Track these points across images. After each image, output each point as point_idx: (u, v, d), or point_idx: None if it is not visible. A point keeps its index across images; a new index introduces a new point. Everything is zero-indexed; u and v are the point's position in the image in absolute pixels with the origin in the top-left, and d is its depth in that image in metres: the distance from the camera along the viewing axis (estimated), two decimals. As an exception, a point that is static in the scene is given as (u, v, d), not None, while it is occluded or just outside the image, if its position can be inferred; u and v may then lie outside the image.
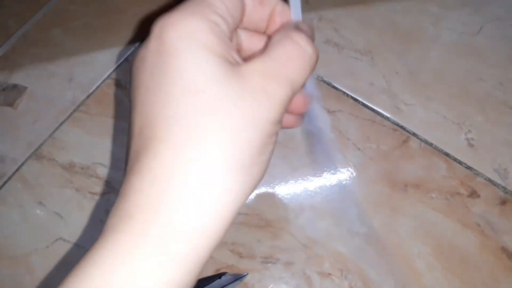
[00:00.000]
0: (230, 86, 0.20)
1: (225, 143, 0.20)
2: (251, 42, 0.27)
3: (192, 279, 0.20)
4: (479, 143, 0.50)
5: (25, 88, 0.55)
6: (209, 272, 0.45)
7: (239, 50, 0.27)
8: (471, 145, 0.50)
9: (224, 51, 0.21)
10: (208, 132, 0.19)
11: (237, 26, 0.24)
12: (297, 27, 0.24)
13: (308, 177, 0.49)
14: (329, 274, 0.45)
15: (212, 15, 0.21)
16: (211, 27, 0.21)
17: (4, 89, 0.55)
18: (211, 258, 0.46)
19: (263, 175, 0.23)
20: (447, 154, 0.49)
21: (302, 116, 0.29)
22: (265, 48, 0.23)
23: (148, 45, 0.22)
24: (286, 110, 0.22)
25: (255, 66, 0.21)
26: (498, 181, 0.48)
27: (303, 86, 0.23)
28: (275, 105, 0.21)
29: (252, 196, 0.48)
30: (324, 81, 0.53)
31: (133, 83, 0.23)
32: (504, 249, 0.46)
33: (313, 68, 0.24)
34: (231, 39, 0.23)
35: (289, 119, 0.28)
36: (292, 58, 0.22)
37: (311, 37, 0.25)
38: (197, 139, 0.19)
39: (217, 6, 0.22)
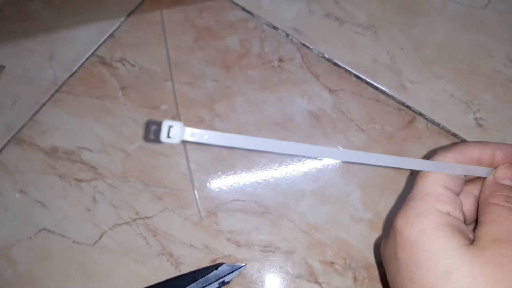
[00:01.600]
0: (478, 265, 0.24)
1: None
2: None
3: None
4: (488, 122, 0.47)
5: (2, 67, 0.51)
6: (205, 263, 0.43)
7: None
8: (480, 125, 0.47)
9: (460, 235, 0.25)
10: None
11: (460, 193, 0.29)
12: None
13: (309, 160, 0.46)
14: (332, 262, 0.43)
15: (441, 206, 0.26)
16: (445, 218, 0.26)
17: (-22, 68, 0.51)
18: (206, 247, 0.43)
19: None
20: (454, 135, 0.47)
21: None
22: (479, 210, 0.28)
23: (393, 241, 0.27)
24: None
25: (487, 237, 0.25)
26: (509, 162, 0.45)
27: None
28: None
29: (250, 181, 0.45)
30: (325, 58, 0.50)
31: (389, 273, 0.29)
32: None
33: None
34: (462, 211, 0.28)
35: None
36: (508, 218, 0.26)
37: None
38: None
39: (443, 194, 0.27)
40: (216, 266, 0.41)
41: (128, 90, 0.49)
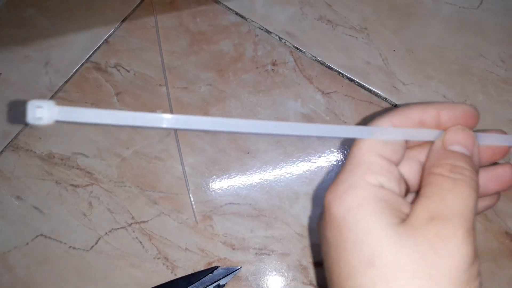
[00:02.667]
0: (405, 249, 0.20)
1: None
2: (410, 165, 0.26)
3: None
4: (481, 122, 0.47)
5: (-2, 73, 0.51)
6: (201, 266, 0.43)
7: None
8: (472, 126, 0.47)
9: (391, 212, 0.21)
10: None
11: (400, 161, 0.24)
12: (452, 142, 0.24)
13: (303, 163, 0.46)
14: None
15: (373, 177, 0.22)
16: (375, 192, 0.22)
17: (-25, 75, 0.51)
18: (201, 251, 0.44)
19: None
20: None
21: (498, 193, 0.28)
22: (422, 181, 0.23)
23: (324, 218, 0.23)
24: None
25: (422, 214, 0.21)
26: (502, 163, 0.46)
27: (476, 205, 0.22)
28: (457, 248, 0.20)
29: (244, 184, 0.46)
30: (318, 61, 0.50)
31: (322, 253, 0.25)
32: (508, 234, 0.44)
33: (478, 185, 0.23)
34: (399, 182, 0.23)
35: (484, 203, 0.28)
36: (452, 192, 0.21)
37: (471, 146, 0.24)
38: None
39: (377, 164, 0.22)
40: (211, 270, 0.42)
41: (123, 95, 0.49)
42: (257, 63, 0.50)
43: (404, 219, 0.21)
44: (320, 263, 0.43)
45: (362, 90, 0.49)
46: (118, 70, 0.50)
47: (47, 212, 0.45)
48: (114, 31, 0.52)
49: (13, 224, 0.45)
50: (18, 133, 0.48)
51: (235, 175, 0.46)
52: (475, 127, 0.25)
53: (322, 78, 0.49)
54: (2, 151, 0.48)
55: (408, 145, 0.25)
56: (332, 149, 0.47)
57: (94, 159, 0.47)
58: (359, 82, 0.49)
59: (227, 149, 0.47)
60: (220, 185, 0.46)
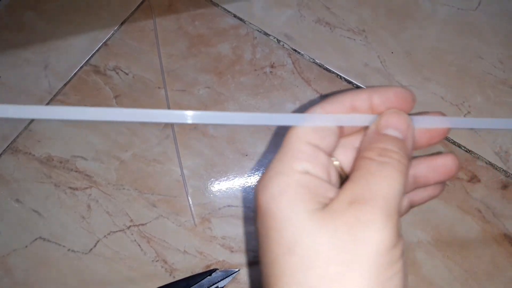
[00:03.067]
0: (324, 234, 0.20)
1: None
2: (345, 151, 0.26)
3: None
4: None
5: (-2, 77, 0.51)
6: (199, 269, 0.43)
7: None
8: (470, 128, 0.47)
9: (313, 198, 0.21)
10: None
11: (333, 148, 0.24)
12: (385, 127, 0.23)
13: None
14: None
15: (299, 164, 0.22)
16: (298, 179, 0.21)
17: (-26, 79, 0.51)
18: (200, 253, 0.44)
19: None
20: (445, 138, 0.47)
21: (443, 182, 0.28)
22: (354, 166, 0.22)
23: (256, 209, 0.23)
24: (402, 213, 0.21)
25: (344, 198, 0.20)
26: (499, 164, 0.46)
27: (403, 192, 0.21)
28: (376, 232, 0.19)
29: (242, 187, 0.46)
30: (316, 63, 0.50)
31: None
32: (506, 236, 0.44)
33: (408, 168, 0.22)
34: (327, 169, 0.23)
35: (425, 193, 0.28)
36: (377, 175, 0.21)
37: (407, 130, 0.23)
38: None
39: (303, 151, 0.22)
40: (209, 272, 0.42)
41: (122, 98, 0.49)
42: (255, 65, 0.50)
43: (324, 203, 0.21)
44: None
45: (360, 92, 0.49)
46: (117, 73, 0.50)
47: (46, 215, 0.45)
48: (113, 34, 0.52)
49: (12, 227, 0.45)
50: (17, 136, 0.48)
51: (233, 178, 0.46)
52: (411, 110, 0.24)
53: (320, 80, 0.49)
54: (1, 154, 0.48)
55: (346, 133, 0.25)
56: (330, 151, 0.47)
57: (93, 162, 0.47)
58: (357, 84, 0.49)
59: (225, 151, 0.47)
60: (218, 187, 0.46)
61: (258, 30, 0.52)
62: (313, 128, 0.23)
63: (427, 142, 0.25)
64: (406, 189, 0.25)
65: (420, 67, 0.50)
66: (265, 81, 0.50)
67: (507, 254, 0.43)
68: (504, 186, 0.45)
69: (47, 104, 0.50)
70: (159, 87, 0.50)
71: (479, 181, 0.46)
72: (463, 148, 0.46)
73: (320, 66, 0.50)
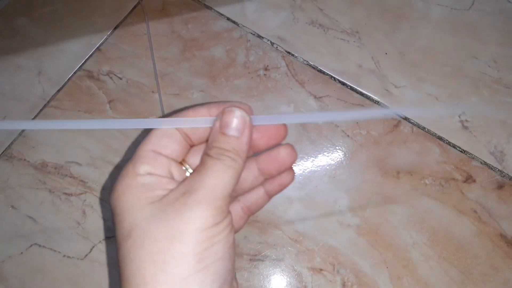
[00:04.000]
0: (156, 219, 0.23)
1: (158, 271, 0.22)
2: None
3: None
4: (474, 125, 0.48)
5: (-9, 83, 0.51)
6: (194, 273, 0.43)
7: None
8: (465, 128, 0.47)
9: (151, 193, 0.24)
10: (142, 268, 0.22)
11: (184, 152, 0.27)
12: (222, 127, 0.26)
13: (295, 168, 0.46)
14: (321, 269, 0.43)
15: (140, 167, 0.25)
16: (138, 180, 0.24)
17: (-32, 86, 0.51)
18: (196, 258, 0.44)
19: (225, 262, 0.24)
20: (440, 138, 0.47)
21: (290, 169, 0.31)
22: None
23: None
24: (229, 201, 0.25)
25: (180, 189, 0.24)
26: (495, 164, 0.46)
27: (233, 184, 0.25)
28: (198, 213, 0.23)
29: (237, 190, 0.46)
30: (310, 65, 0.50)
31: None
32: (502, 236, 0.44)
33: (241, 163, 0.25)
34: (168, 169, 0.26)
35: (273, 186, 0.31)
36: (210, 169, 0.24)
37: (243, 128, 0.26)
38: (133, 278, 0.23)
39: (145, 156, 0.25)
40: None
41: (115, 103, 0.49)
42: (249, 68, 0.50)
43: (161, 195, 0.24)
44: (314, 269, 0.43)
45: (355, 94, 0.49)
46: (111, 78, 0.50)
47: (41, 221, 0.45)
48: (106, 39, 0.52)
49: (7, 234, 0.45)
50: (12, 143, 0.48)
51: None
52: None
53: (314, 82, 0.49)
54: (-5, 161, 0.48)
55: (196, 141, 0.28)
56: (325, 153, 0.47)
57: (87, 167, 0.47)
58: (351, 85, 0.49)
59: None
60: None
61: (251, 33, 0.51)
62: (155, 139, 0.26)
63: (268, 143, 0.29)
64: (256, 182, 0.30)
65: (414, 67, 0.50)
66: (259, 83, 0.50)
67: (503, 254, 0.43)
68: (500, 186, 0.45)
69: (41, 110, 0.49)
70: (153, 91, 0.50)
71: (474, 181, 0.45)
72: (458, 148, 0.46)
73: (314, 68, 0.50)
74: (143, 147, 0.26)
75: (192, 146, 0.28)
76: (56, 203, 0.46)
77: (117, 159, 0.47)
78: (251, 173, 0.30)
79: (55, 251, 0.44)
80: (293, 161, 0.29)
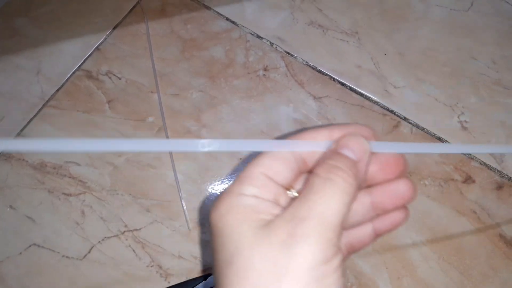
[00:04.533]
0: (260, 248, 0.21)
1: None
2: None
3: None
4: (473, 125, 0.48)
5: (-10, 83, 0.51)
6: (194, 274, 0.43)
7: None
8: (464, 128, 0.47)
9: (256, 216, 0.22)
10: None
11: (295, 178, 0.25)
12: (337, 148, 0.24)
13: (295, 168, 0.46)
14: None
15: (247, 188, 0.23)
16: (244, 200, 0.23)
17: (-34, 85, 0.51)
18: (195, 258, 0.44)
19: None
20: (439, 139, 0.47)
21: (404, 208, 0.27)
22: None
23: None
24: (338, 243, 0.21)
25: (286, 215, 0.21)
26: (494, 165, 0.46)
27: (345, 214, 0.22)
28: (308, 246, 0.20)
29: (237, 190, 0.46)
30: (309, 66, 0.50)
31: None
32: (501, 236, 0.44)
33: (355, 189, 0.22)
34: (275, 195, 0.24)
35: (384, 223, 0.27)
36: (319, 193, 0.22)
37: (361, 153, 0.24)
38: None
39: (254, 178, 0.23)
40: (204, 277, 0.42)
41: (114, 103, 0.49)
42: (248, 68, 0.50)
43: (267, 220, 0.22)
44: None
45: (354, 94, 0.49)
46: (110, 78, 0.50)
47: (39, 222, 0.45)
48: (105, 39, 0.52)
49: (6, 234, 0.45)
50: (10, 143, 0.48)
51: (227, 182, 0.46)
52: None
53: (314, 82, 0.49)
54: (-6, 161, 0.48)
55: (311, 166, 0.25)
56: (325, 153, 0.47)
57: (86, 167, 0.47)
58: (351, 86, 0.49)
59: (219, 155, 0.47)
60: (212, 191, 0.46)
61: (251, 33, 0.51)
62: (268, 161, 0.24)
63: (383, 175, 0.26)
64: (366, 216, 0.27)
65: (413, 68, 0.50)
66: (258, 84, 0.50)
67: (503, 255, 0.43)
68: (499, 187, 0.45)
69: (40, 109, 0.49)
70: (152, 91, 0.49)
71: (474, 182, 0.45)
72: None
73: (313, 68, 0.50)
74: (253, 168, 0.24)
75: (304, 172, 0.26)
76: (55, 203, 0.46)
77: (116, 160, 0.47)
78: (362, 206, 0.26)
79: (54, 251, 0.44)
80: (412, 198, 0.26)
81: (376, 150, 0.24)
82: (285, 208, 0.22)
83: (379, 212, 0.27)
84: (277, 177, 0.24)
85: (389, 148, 0.25)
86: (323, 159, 0.23)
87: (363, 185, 0.26)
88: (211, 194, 0.46)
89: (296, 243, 0.20)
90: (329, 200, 0.21)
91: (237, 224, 0.22)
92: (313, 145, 0.24)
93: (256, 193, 0.23)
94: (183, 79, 0.50)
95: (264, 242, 0.21)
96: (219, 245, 0.22)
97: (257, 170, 0.24)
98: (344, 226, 0.23)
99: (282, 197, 0.24)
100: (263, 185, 0.23)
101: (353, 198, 0.22)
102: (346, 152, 0.23)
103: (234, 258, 0.21)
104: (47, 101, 0.50)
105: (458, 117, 0.48)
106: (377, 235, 0.28)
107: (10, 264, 0.44)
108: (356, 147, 0.23)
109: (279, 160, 0.24)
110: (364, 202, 0.26)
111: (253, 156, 0.25)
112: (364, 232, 0.27)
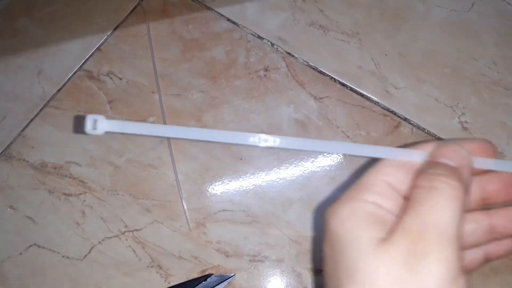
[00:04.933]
0: (383, 265, 0.20)
1: None
2: None
3: None
4: (474, 126, 0.48)
5: (-9, 83, 0.51)
6: (194, 274, 0.43)
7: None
8: (465, 129, 0.47)
9: (379, 226, 0.21)
10: None
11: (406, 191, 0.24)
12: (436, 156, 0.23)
13: (296, 168, 0.46)
14: (321, 270, 0.43)
15: (370, 195, 0.23)
16: (367, 207, 0.22)
17: (-33, 85, 0.51)
18: (195, 258, 0.44)
19: None
20: (440, 139, 0.47)
21: None
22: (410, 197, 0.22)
23: (324, 232, 0.23)
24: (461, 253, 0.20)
25: (400, 230, 0.21)
26: None
27: (461, 223, 0.21)
28: (432, 265, 0.19)
29: (237, 191, 0.46)
30: (310, 66, 0.50)
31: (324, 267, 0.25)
32: (502, 237, 0.44)
33: (463, 193, 0.21)
34: (397, 206, 0.23)
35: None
36: (426, 203, 0.21)
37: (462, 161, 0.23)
38: None
39: (377, 186, 0.23)
40: (205, 277, 0.42)
41: (116, 103, 0.49)
42: (249, 69, 0.50)
43: (387, 233, 0.21)
44: (314, 270, 0.43)
45: (355, 95, 0.49)
46: (111, 78, 0.50)
47: (40, 222, 0.45)
48: (106, 39, 0.52)
49: (6, 234, 0.45)
50: (11, 143, 0.48)
51: (228, 182, 0.46)
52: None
53: (315, 83, 0.49)
54: (-5, 161, 0.48)
55: None
56: (325, 154, 0.47)
57: (87, 167, 0.47)
58: (352, 86, 0.49)
59: (220, 155, 0.47)
60: (213, 192, 0.46)
61: (252, 34, 0.52)
62: (391, 169, 0.23)
63: (505, 197, 0.25)
64: (481, 239, 0.25)
65: (414, 69, 0.50)
66: (259, 84, 0.50)
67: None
68: (500, 187, 0.45)
69: (41, 110, 0.49)
70: (153, 92, 0.50)
71: (474, 182, 0.45)
72: (458, 149, 0.46)
73: (314, 69, 0.50)
74: (375, 175, 0.24)
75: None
76: (55, 203, 0.46)
77: (117, 160, 0.47)
78: (479, 228, 0.25)
79: (54, 251, 0.44)
80: None
81: (482, 167, 0.23)
82: (400, 220, 0.21)
83: (496, 236, 0.25)
84: (399, 186, 0.23)
85: (498, 166, 0.24)
86: (421, 171, 0.23)
87: (480, 204, 0.25)
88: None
89: (419, 262, 0.19)
90: (439, 209, 0.20)
91: (358, 231, 0.21)
92: (407, 154, 0.24)
93: (378, 201, 0.23)
94: (184, 80, 0.50)
95: (386, 257, 0.20)
96: (337, 252, 0.22)
97: (380, 177, 0.23)
98: (462, 243, 0.21)
99: (400, 207, 0.23)
100: (385, 193, 0.23)
101: (463, 204, 0.21)
102: (444, 160, 0.23)
103: (357, 272, 0.20)
104: (48, 101, 0.50)
105: (459, 117, 0.48)
106: (487, 259, 0.26)
107: (10, 264, 0.44)
108: (453, 155, 0.23)
109: (401, 169, 0.24)
110: (481, 223, 0.25)
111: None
112: (474, 255, 0.26)
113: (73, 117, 0.49)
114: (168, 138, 0.47)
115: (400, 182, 0.23)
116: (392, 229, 0.21)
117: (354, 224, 0.22)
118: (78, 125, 0.48)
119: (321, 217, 0.45)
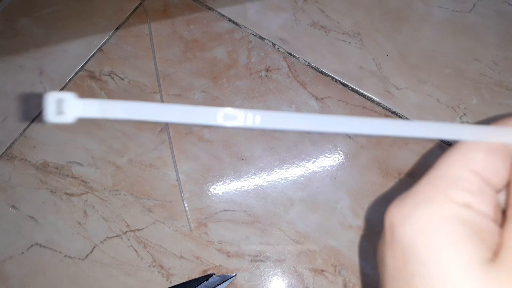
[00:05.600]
0: None
1: None
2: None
3: None
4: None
5: (-7, 83, 0.51)
6: (196, 274, 0.43)
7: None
8: None
9: (481, 242, 0.16)
10: None
11: (501, 188, 0.18)
12: None
13: (297, 168, 0.46)
14: (322, 270, 0.43)
15: (458, 194, 0.17)
16: (459, 214, 0.16)
17: (-31, 85, 0.51)
18: (197, 258, 0.44)
19: None
20: (442, 140, 0.47)
21: None
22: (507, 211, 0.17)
23: (384, 240, 0.18)
24: None
25: (510, 245, 0.16)
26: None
27: None
28: None
29: (239, 191, 0.46)
30: (311, 67, 0.50)
31: (380, 277, 0.19)
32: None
33: None
34: (495, 207, 0.17)
35: None
36: None
37: None
38: None
39: (467, 180, 0.17)
40: (206, 277, 0.42)
41: (117, 103, 0.49)
42: (250, 69, 0.50)
43: (492, 256, 0.16)
44: (315, 270, 0.43)
45: (356, 95, 0.49)
46: (112, 78, 0.50)
47: (42, 221, 0.45)
48: (108, 39, 0.52)
49: (8, 234, 0.45)
50: (13, 142, 0.48)
51: (229, 182, 0.46)
52: None
53: (316, 83, 0.49)
54: (-3, 161, 0.48)
55: None
56: (327, 154, 0.47)
57: (88, 167, 0.47)
58: (353, 87, 0.49)
59: (221, 155, 0.47)
60: (214, 192, 0.46)
61: (253, 34, 0.52)
62: (483, 157, 0.17)
63: None
64: None
65: (415, 69, 0.50)
66: (260, 84, 0.50)
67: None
68: (501, 188, 0.45)
69: (43, 110, 0.49)
70: (154, 92, 0.50)
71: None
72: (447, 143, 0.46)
73: (316, 69, 0.50)
74: (460, 164, 0.17)
75: None
76: (57, 203, 0.46)
77: (119, 160, 0.47)
78: None
79: (56, 251, 0.44)
80: None
81: None
82: (505, 228, 0.16)
83: None
84: (493, 179, 0.17)
85: None
86: None
87: None
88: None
89: None
90: None
91: (450, 250, 0.15)
92: (504, 132, 0.17)
93: (471, 202, 0.17)
94: (185, 80, 0.50)
95: (497, 285, 0.15)
96: (418, 278, 0.16)
97: (467, 167, 0.17)
98: None
99: (497, 208, 0.18)
100: (477, 189, 0.17)
101: None
102: None
103: None
104: (50, 101, 0.50)
105: (460, 118, 0.48)
106: None
107: (12, 264, 0.44)
108: None
109: (496, 154, 0.17)
110: None
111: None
112: None
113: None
114: (169, 139, 0.47)
115: (495, 173, 0.17)
116: (496, 243, 0.16)
117: (444, 241, 0.16)
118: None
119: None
